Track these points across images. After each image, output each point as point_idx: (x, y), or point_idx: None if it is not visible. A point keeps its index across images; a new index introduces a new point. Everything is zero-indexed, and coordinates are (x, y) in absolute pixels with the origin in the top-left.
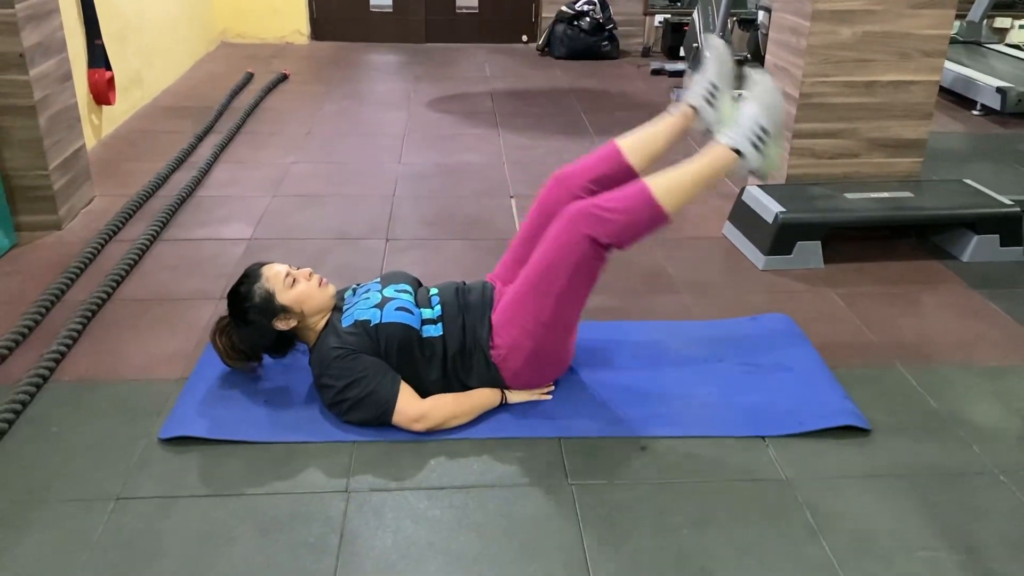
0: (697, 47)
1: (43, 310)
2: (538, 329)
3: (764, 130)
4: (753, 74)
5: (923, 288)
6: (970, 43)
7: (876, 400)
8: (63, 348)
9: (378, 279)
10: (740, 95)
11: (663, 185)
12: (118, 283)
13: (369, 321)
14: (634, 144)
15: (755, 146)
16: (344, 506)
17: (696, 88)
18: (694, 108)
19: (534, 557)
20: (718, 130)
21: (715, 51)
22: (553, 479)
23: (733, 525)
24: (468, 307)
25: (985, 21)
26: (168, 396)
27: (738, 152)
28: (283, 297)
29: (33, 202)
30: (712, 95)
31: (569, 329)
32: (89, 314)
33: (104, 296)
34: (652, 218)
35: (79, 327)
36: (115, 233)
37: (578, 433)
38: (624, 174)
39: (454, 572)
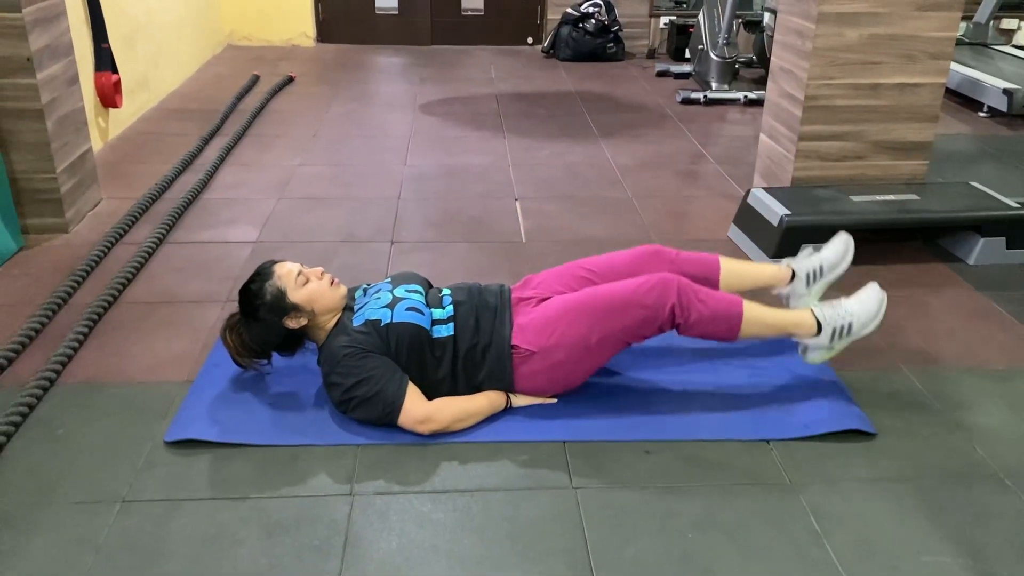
0: (702, 49)
1: (50, 313)
2: (577, 347)
3: (849, 329)
4: (875, 285)
5: (929, 291)
6: (976, 45)
7: (881, 403)
8: (70, 350)
9: (389, 279)
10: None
11: (752, 314)
12: (125, 286)
13: (380, 321)
14: (732, 271)
15: (832, 336)
16: (349, 509)
17: (808, 261)
18: (794, 275)
19: (538, 560)
20: (793, 304)
21: (843, 242)
22: (557, 482)
23: (737, 529)
24: (484, 307)
25: (992, 23)
26: (174, 398)
27: (819, 330)
28: (294, 295)
29: (40, 205)
30: (816, 276)
31: (596, 363)
32: (96, 316)
33: (111, 299)
34: (724, 332)
35: (86, 329)
36: (122, 236)
37: (582, 436)
38: (709, 286)
39: (458, 575)
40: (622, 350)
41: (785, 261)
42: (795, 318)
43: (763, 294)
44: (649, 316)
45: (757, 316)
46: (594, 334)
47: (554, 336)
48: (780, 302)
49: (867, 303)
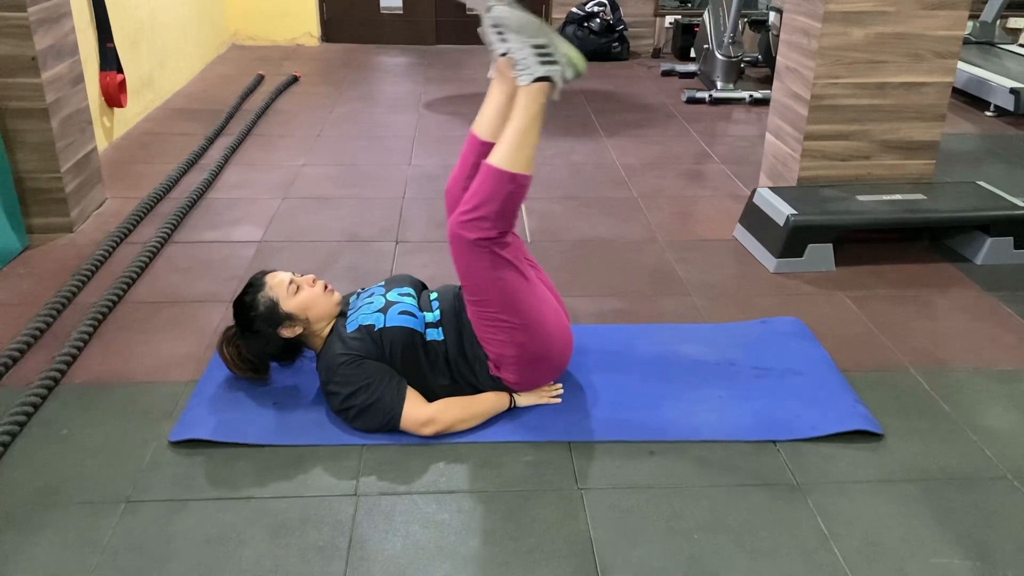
0: (707, 48)
1: (55, 312)
2: (512, 337)
3: (538, 46)
4: (485, 15)
5: (936, 291)
6: (983, 44)
7: (888, 404)
8: (74, 350)
9: (382, 283)
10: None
11: (500, 154)
12: (129, 285)
13: (373, 326)
14: (485, 122)
15: (545, 64)
16: (353, 510)
17: (489, 41)
18: (502, 55)
19: (544, 562)
20: (520, 73)
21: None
22: (563, 483)
23: (744, 530)
24: (465, 317)
25: (999, 22)
26: (178, 398)
27: (541, 79)
28: (287, 304)
29: (45, 204)
30: (499, 30)
31: (540, 323)
32: (100, 316)
33: (115, 298)
34: (511, 188)
35: (90, 329)
36: (126, 235)
37: (587, 437)
38: (487, 152)
39: None
40: (526, 281)
41: (495, 68)
42: (524, 105)
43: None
44: (486, 267)
45: (505, 150)
46: (502, 320)
47: (492, 348)
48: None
49: (509, 23)
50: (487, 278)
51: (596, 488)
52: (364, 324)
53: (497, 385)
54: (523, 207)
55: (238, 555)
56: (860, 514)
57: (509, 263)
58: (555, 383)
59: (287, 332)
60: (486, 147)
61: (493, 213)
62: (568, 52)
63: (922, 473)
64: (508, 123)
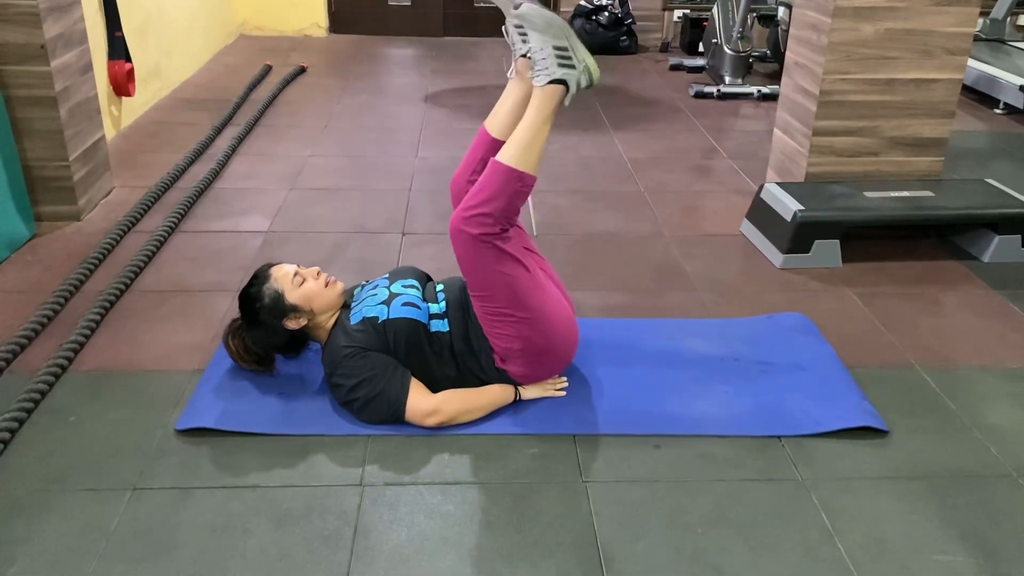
0: (716, 43)
1: (62, 300)
2: (518, 331)
3: (559, 48)
4: (512, 11)
5: (943, 288)
6: (993, 41)
7: (894, 401)
8: (81, 338)
9: (386, 275)
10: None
11: (510, 152)
12: (136, 274)
13: (377, 318)
14: (498, 120)
15: (563, 67)
16: (359, 500)
17: (511, 39)
18: (524, 56)
19: (548, 554)
20: (537, 72)
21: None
22: (567, 476)
23: (748, 525)
24: (471, 309)
25: (1009, 19)
26: (185, 387)
27: (556, 82)
28: (292, 296)
29: (53, 193)
30: (521, 30)
31: (546, 316)
32: (107, 305)
33: (122, 287)
34: (518, 187)
35: (97, 318)
36: (134, 224)
37: (593, 430)
38: (495, 149)
39: (467, 567)
40: (530, 274)
41: (514, 67)
42: (537, 106)
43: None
44: (490, 261)
45: (515, 148)
46: (506, 314)
47: (499, 342)
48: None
49: (533, 22)
50: (491, 273)
51: (600, 481)
52: (368, 316)
53: (503, 377)
54: (530, 200)
55: (243, 543)
56: (864, 510)
57: (513, 257)
58: (560, 376)
59: (292, 324)
60: (496, 144)
61: (497, 210)
62: (587, 59)
63: (927, 470)
64: (520, 127)
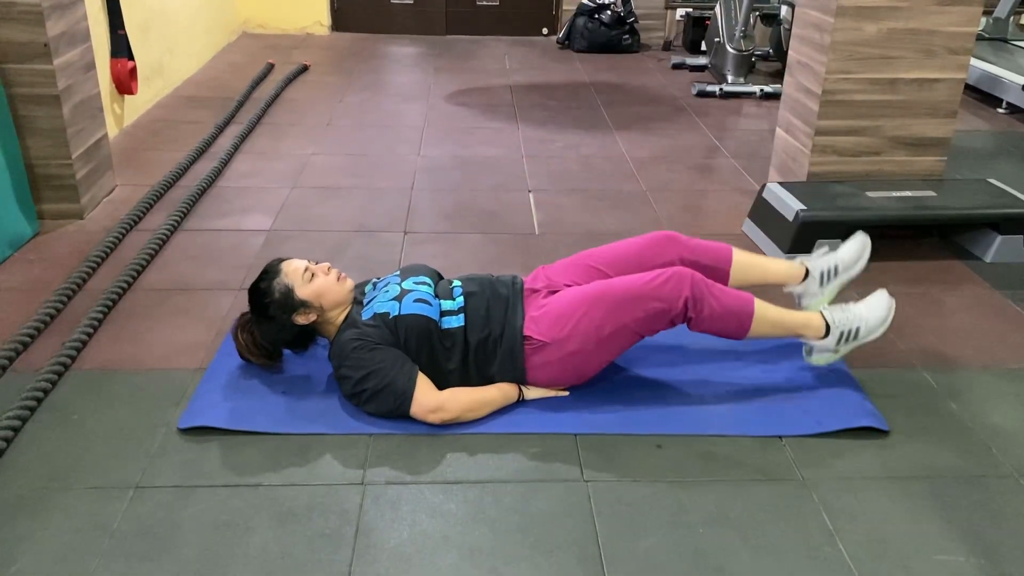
0: (719, 42)
1: (64, 298)
2: (590, 338)
3: (856, 334)
4: (884, 292)
5: (945, 288)
6: (996, 40)
7: (895, 401)
8: (84, 336)
9: (397, 272)
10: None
11: (763, 312)
12: (139, 272)
13: (388, 313)
14: (744, 264)
15: (839, 339)
16: (360, 498)
17: (823, 260)
18: (808, 274)
19: (549, 553)
20: (805, 304)
21: (859, 242)
22: (569, 475)
23: (749, 525)
24: (496, 298)
25: (1012, 18)
26: (187, 385)
27: (827, 332)
28: (302, 291)
29: (55, 191)
30: (830, 275)
31: (610, 355)
32: (110, 303)
33: (125, 285)
34: (735, 329)
35: (100, 316)
36: (136, 222)
37: (594, 430)
38: (719, 276)
39: (469, 566)
40: (634, 343)
41: (799, 259)
42: (804, 319)
43: (774, 291)
44: (662, 309)
45: (768, 315)
46: (607, 326)
47: (567, 328)
48: (792, 300)
49: (876, 309)
50: (646, 307)
51: (602, 480)
52: (379, 312)
53: (516, 365)
54: (532, 199)
55: (245, 541)
56: (865, 510)
57: (657, 324)
58: None
59: (301, 319)
60: (724, 273)
61: (711, 313)
62: (843, 353)
63: (928, 470)
64: (783, 310)
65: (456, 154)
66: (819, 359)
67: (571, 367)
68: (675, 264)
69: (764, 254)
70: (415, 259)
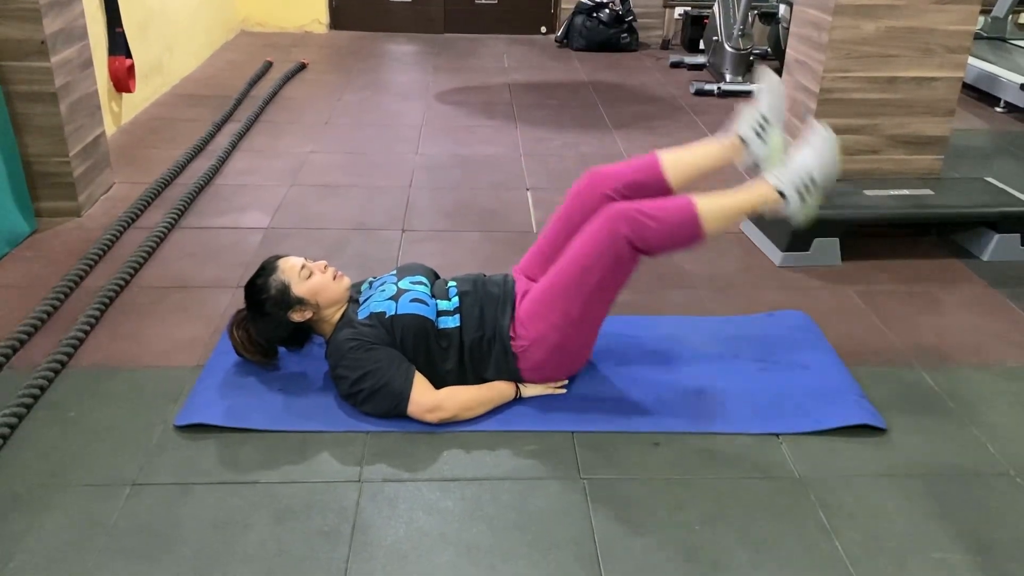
0: (717, 40)
1: (62, 296)
2: (566, 324)
3: (813, 181)
4: (816, 124)
5: (942, 287)
6: (995, 39)
7: (893, 399)
8: (81, 334)
9: (394, 271)
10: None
11: (708, 206)
12: (136, 270)
13: (384, 313)
14: (675, 161)
15: (800, 194)
16: (357, 496)
17: (746, 119)
18: (742, 139)
19: (546, 550)
20: (764, 164)
21: (770, 84)
22: (566, 473)
23: (746, 522)
24: (488, 298)
25: (1010, 17)
26: (185, 383)
27: (782, 195)
28: (298, 289)
29: (53, 188)
30: (762, 128)
31: (595, 327)
32: (107, 300)
33: (122, 283)
34: (690, 235)
35: (97, 313)
36: (134, 220)
37: (591, 427)
38: (659, 188)
39: (465, 563)
40: (613, 299)
41: (728, 131)
42: (755, 193)
43: (729, 173)
44: (610, 261)
45: (715, 209)
46: (574, 309)
47: (541, 326)
48: (752, 175)
49: (819, 148)
50: (598, 267)
51: (599, 478)
52: (376, 311)
53: (510, 367)
54: (530, 198)
55: (243, 539)
56: (862, 508)
57: (621, 274)
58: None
59: (297, 316)
60: (660, 179)
61: (659, 235)
62: (815, 203)
63: (925, 468)
64: (729, 192)
65: (454, 152)
66: (799, 217)
67: (564, 358)
68: (609, 202)
69: (762, 253)
70: (413, 257)
